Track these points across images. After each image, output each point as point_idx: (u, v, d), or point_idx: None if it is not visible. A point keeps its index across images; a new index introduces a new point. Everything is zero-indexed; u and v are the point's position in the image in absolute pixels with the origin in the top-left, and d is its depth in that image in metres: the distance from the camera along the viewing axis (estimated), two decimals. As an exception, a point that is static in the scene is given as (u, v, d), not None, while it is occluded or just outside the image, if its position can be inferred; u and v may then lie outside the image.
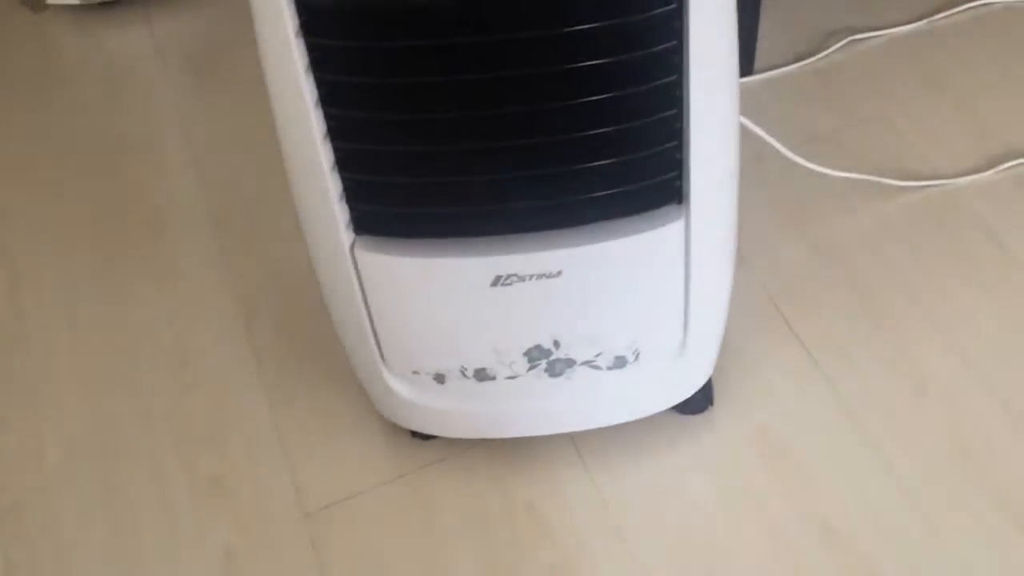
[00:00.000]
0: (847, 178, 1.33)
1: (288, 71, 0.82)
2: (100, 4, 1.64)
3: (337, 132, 0.86)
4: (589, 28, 0.80)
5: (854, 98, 1.47)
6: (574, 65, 0.81)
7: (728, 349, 1.15)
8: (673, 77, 0.85)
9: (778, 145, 1.25)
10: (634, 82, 0.84)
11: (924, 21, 1.55)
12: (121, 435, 1.20)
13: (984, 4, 1.57)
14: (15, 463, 1.19)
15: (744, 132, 1.23)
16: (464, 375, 1.02)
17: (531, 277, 0.93)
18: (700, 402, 1.13)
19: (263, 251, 1.35)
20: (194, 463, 1.17)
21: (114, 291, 1.33)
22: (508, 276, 0.93)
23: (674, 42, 0.82)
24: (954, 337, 1.19)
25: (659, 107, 0.86)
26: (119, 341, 1.28)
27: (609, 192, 0.90)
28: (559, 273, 0.93)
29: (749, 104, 1.43)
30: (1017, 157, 1.37)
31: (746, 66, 1.47)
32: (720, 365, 1.12)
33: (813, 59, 1.51)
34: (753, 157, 1.33)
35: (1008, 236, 1.28)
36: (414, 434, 1.13)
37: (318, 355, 1.23)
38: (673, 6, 0.80)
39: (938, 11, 1.56)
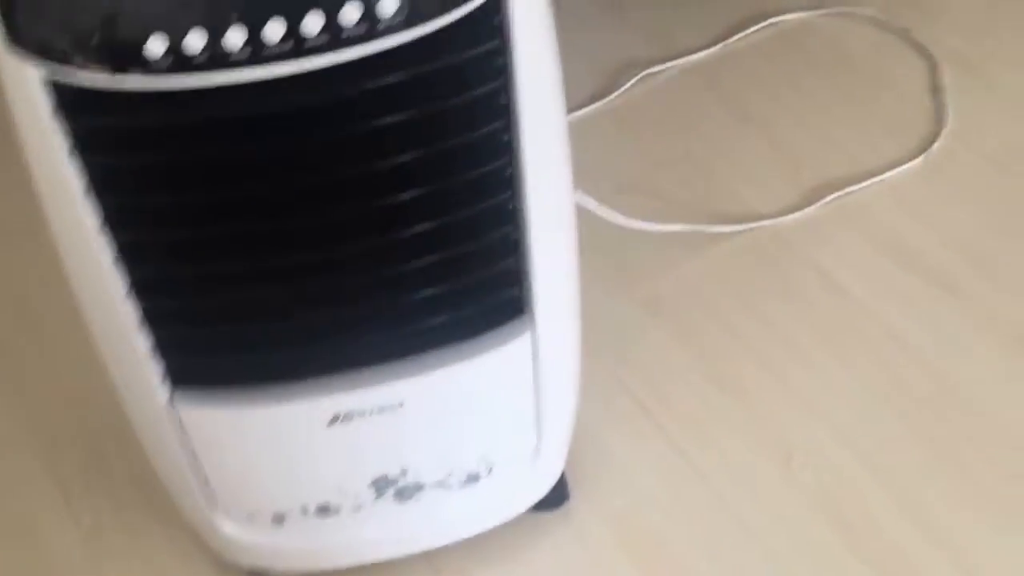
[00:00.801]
0: (664, 230, 1.27)
1: (82, 235, 0.73)
2: None
3: (139, 285, 0.77)
4: (408, 158, 0.73)
5: (659, 137, 1.42)
6: (393, 199, 0.75)
7: (576, 435, 1.11)
8: (507, 194, 0.79)
9: (589, 202, 1.20)
10: (465, 205, 0.78)
11: (719, 45, 1.52)
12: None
13: (775, 22, 1.55)
14: None
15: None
16: (305, 513, 0.94)
17: (372, 412, 0.86)
18: (556, 497, 1.08)
19: (57, 379, 1.22)
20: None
21: None
22: (346, 414, 0.86)
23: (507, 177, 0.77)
24: (809, 398, 1.16)
25: (494, 223, 0.81)
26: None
27: (447, 317, 0.84)
28: (401, 404, 0.87)
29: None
30: (836, 189, 1.35)
31: None
32: (572, 453, 1.08)
33: (610, 97, 1.46)
34: None
35: (841, 274, 1.26)
36: (251, 572, 1.04)
37: (135, 491, 1.12)
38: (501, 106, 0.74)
39: (731, 32, 1.53)
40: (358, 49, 0.66)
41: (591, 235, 1.27)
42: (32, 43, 0.64)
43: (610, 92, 1.46)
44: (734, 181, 1.37)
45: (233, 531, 0.96)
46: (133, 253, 0.75)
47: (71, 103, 0.67)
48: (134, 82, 0.65)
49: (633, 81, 1.47)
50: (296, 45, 0.65)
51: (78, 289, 0.78)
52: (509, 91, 0.73)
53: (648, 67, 1.49)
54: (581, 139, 1.40)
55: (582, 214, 1.22)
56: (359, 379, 0.85)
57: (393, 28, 0.66)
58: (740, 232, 1.31)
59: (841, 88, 1.46)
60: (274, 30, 0.64)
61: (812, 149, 1.40)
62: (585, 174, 1.32)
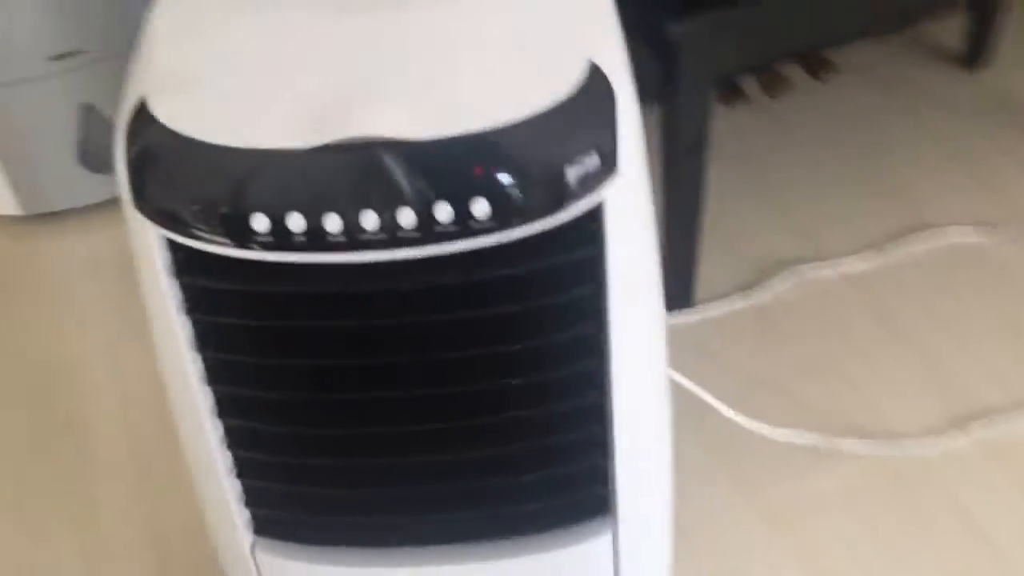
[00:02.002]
0: (795, 440, 1.24)
1: (185, 383, 0.78)
2: (39, 215, 1.63)
3: (232, 437, 0.81)
4: (506, 350, 0.75)
5: (801, 339, 1.37)
6: (480, 388, 0.77)
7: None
8: (595, 393, 0.80)
9: (716, 404, 1.19)
10: (553, 400, 0.79)
11: (874, 251, 1.47)
12: None
13: (936, 234, 1.49)
14: None
15: (680, 387, 1.18)
16: None
17: (445, 589, 0.87)
18: None
19: (183, 494, 1.28)
20: None
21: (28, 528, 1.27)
22: (419, 588, 0.87)
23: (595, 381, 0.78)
24: None
25: (581, 421, 0.81)
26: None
27: (530, 507, 0.84)
28: (475, 585, 0.87)
29: (687, 344, 1.38)
30: (985, 416, 1.27)
31: (683, 298, 1.41)
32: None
33: (755, 290, 1.43)
34: (691, 411, 1.23)
35: (982, 516, 1.18)
36: None
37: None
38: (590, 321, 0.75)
39: (888, 240, 1.48)
40: (449, 245, 0.69)
41: (718, 435, 1.26)
42: (153, 210, 0.70)
43: (755, 286, 1.45)
44: (876, 394, 1.31)
45: None
46: (228, 407, 0.79)
47: (183, 263, 0.72)
48: (239, 253, 0.70)
49: (782, 275, 1.46)
50: (391, 235, 0.69)
51: (182, 434, 0.83)
52: (602, 295, 0.75)
53: (797, 264, 1.47)
54: (719, 332, 1.40)
55: (707, 412, 1.21)
56: (435, 556, 0.86)
57: (486, 230, 0.69)
58: (876, 456, 1.24)
59: (1004, 313, 1.40)
60: (370, 220, 0.68)
61: (965, 371, 1.32)
62: (719, 369, 1.31)
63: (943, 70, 1.78)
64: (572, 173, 0.68)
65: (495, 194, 0.68)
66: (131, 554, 1.23)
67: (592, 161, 0.69)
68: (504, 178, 0.68)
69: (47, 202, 1.63)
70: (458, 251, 0.70)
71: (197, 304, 0.75)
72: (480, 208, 0.68)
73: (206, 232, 0.70)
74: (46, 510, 1.29)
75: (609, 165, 0.70)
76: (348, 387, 0.78)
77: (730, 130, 1.61)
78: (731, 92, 1.57)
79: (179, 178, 0.70)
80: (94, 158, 1.59)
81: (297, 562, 0.87)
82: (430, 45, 0.73)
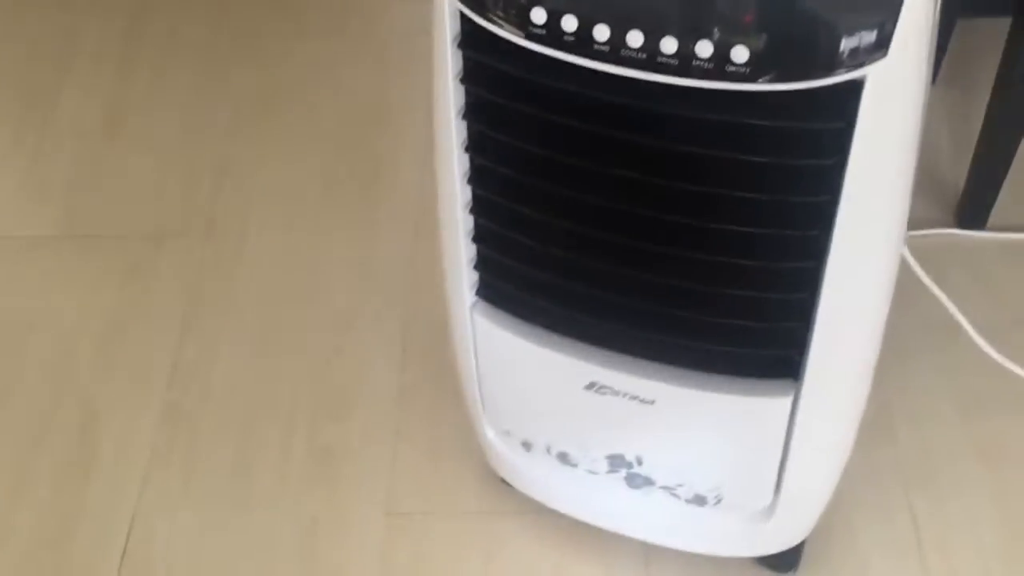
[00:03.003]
0: None
1: (450, 148, 0.87)
2: None
3: (478, 206, 0.90)
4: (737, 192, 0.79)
5: None
6: (710, 226, 0.81)
7: (837, 517, 1.11)
8: (811, 262, 0.82)
9: (969, 328, 1.16)
10: (771, 254, 0.82)
11: None
12: (272, 381, 1.32)
13: None
14: (190, 370, 1.34)
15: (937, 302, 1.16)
16: (548, 452, 1.04)
17: (625, 395, 0.94)
18: (784, 562, 1.10)
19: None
20: (318, 429, 1.26)
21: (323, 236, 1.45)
22: (603, 386, 0.94)
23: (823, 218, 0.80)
24: None
25: (792, 284, 0.84)
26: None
27: (724, 348, 0.89)
28: (653, 402, 0.93)
29: (965, 263, 1.34)
30: None
31: (977, 219, 1.37)
32: (821, 529, 1.08)
33: None
34: (941, 328, 1.22)
35: None
36: (503, 480, 1.17)
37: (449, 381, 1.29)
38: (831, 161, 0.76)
39: None
40: (706, 83, 0.73)
41: (960, 357, 1.23)
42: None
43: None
44: None
45: (493, 439, 1.09)
46: (480, 177, 0.87)
47: (468, 36, 0.80)
48: (509, 36, 0.76)
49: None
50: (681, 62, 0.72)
51: (439, 195, 0.92)
52: (842, 170, 0.76)
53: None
54: (1002, 260, 1.35)
55: (958, 333, 1.19)
56: (623, 363, 0.92)
57: (744, 76, 0.71)
58: None
59: None
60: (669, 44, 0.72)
61: None
62: (986, 295, 1.26)
63: None
64: (843, 43, 0.69)
65: (761, 45, 0.70)
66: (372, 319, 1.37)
67: (864, 36, 0.70)
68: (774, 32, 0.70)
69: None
70: (715, 88, 0.73)
71: (470, 76, 0.82)
72: (739, 54, 0.70)
73: (493, 14, 0.76)
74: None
75: (880, 44, 0.70)
76: (580, 187, 0.83)
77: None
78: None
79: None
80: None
81: (502, 329, 0.95)
82: None
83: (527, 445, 1.05)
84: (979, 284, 1.31)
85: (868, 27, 0.69)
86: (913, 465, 1.18)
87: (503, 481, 1.17)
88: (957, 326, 1.18)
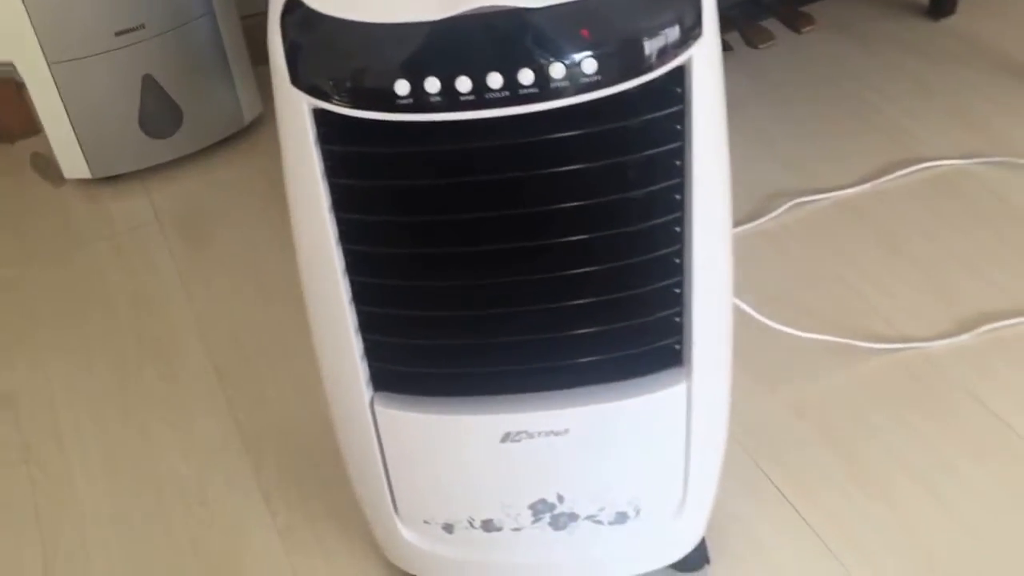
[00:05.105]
0: (815, 339, 1.36)
1: (322, 243, 0.90)
2: (107, 178, 1.79)
3: (360, 294, 0.93)
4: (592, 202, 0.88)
5: (810, 261, 1.51)
6: (571, 238, 0.89)
7: (718, 508, 1.19)
8: (676, 247, 0.92)
9: (742, 304, 1.30)
10: (636, 253, 0.92)
11: (869, 184, 1.60)
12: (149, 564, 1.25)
13: (929, 167, 1.62)
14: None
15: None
16: (472, 526, 1.06)
17: (539, 434, 0.99)
18: (697, 560, 1.17)
19: (266, 400, 1.42)
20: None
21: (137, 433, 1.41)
22: (518, 433, 0.98)
23: (676, 214, 0.90)
24: (958, 511, 1.20)
25: (661, 274, 0.93)
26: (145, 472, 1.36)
27: (613, 356, 0.97)
28: (566, 431, 0.99)
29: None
30: (992, 321, 1.39)
31: None
32: (716, 527, 1.16)
33: (762, 220, 1.56)
34: None
35: (997, 402, 1.31)
36: (415, 580, 1.16)
37: (322, 497, 1.29)
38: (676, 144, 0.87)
39: (882, 174, 1.62)
40: (563, 101, 0.82)
41: (744, 335, 1.35)
42: (307, 85, 0.83)
43: (761, 216, 1.58)
44: (885, 306, 1.44)
45: (409, 536, 1.09)
46: (356, 265, 0.91)
47: (329, 131, 0.85)
48: (384, 116, 0.82)
49: (784, 208, 1.58)
50: (512, 93, 0.81)
51: (311, 295, 0.94)
52: (684, 152, 0.87)
53: (797, 197, 1.60)
54: (735, 254, 1.52)
55: (737, 315, 1.32)
56: (531, 403, 0.98)
57: (589, 87, 0.82)
58: (891, 350, 1.37)
59: (1000, 233, 1.53)
60: (495, 80, 0.80)
61: (967, 283, 1.46)
62: (736, 285, 1.42)
63: (913, 22, 1.95)
64: (665, 34, 0.81)
65: (600, 53, 0.80)
66: (230, 456, 1.35)
67: (681, 25, 0.82)
68: (607, 39, 0.80)
69: (112, 166, 1.77)
70: (571, 104, 0.82)
71: (337, 169, 0.87)
72: (589, 65, 0.80)
73: (352, 100, 0.82)
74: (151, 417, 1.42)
75: (695, 28, 0.83)
76: (455, 240, 0.89)
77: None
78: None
79: (329, 54, 0.82)
80: (153, 125, 1.72)
81: (410, 412, 0.98)
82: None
83: (448, 527, 1.06)
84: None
85: (689, 14, 0.82)
86: (748, 438, 1.30)
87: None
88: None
